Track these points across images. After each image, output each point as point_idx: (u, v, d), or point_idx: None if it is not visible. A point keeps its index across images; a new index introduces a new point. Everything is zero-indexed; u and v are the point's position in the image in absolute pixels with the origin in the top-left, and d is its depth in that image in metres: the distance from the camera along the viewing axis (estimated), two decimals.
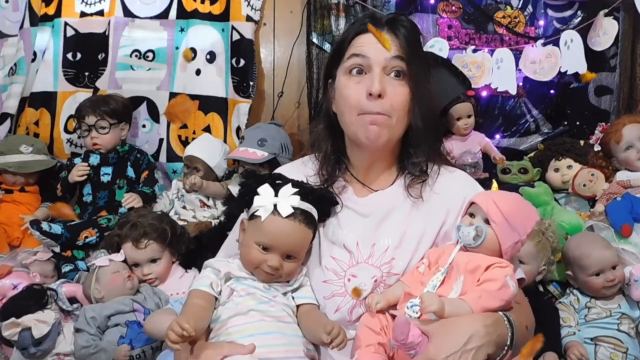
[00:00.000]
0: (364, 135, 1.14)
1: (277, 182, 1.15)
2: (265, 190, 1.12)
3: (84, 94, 2.34)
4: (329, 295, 1.14)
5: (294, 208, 1.10)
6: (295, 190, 1.12)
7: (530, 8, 2.43)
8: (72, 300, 1.75)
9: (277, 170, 1.30)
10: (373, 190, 1.22)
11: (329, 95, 1.24)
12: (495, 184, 2.20)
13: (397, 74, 1.13)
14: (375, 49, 1.13)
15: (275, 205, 1.10)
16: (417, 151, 1.18)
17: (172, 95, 2.38)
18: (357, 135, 1.15)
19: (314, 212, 1.15)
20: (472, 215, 1.12)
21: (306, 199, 1.13)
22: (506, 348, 1.01)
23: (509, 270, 1.05)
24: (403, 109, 1.13)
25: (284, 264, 1.11)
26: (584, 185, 2.05)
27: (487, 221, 1.09)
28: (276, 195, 1.12)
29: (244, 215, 1.20)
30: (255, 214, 1.12)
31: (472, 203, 1.13)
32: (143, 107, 2.39)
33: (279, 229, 1.10)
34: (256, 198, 1.13)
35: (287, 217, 1.10)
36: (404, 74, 1.13)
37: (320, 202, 1.17)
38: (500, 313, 1.03)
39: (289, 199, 1.11)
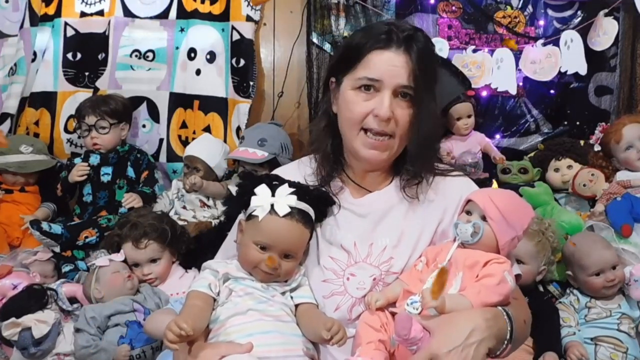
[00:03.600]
0: (364, 156, 1.15)
1: (274, 183, 1.15)
2: (262, 190, 1.13)
3: (84, 94, 2.34)
4: (328, 294, 1.14)
5: (291, 207, 1.11)
6: (292, 190, 1.13)
7: (530, 8, 2.43)
8: (72, 300, 1.75)
9: (274, 172, 1.30)
10: (369, 191, 1.22)
11: (329, 95, 1.23)
12: (495, 184, 2.20)
13: (405, 95, 1.13)
14: (389, 71, 1.11)
15: (272, 205, 1.11)
16: (413, 161, 1.18)
17: (172, 95, 2.38)
18: (356, 153, 1.17)
19: (311, 211, 1.15)
20: (469, 212, 1.13)
21: (303, 199, 1.13)
22: (506, 342, 1.01)
23: (506, 266, 1.06)
24: (406, 128, 1.14)
25: (282, 263, 1.12)
26: (584, 185, 2.05)
27: (484, 218, 1.09)
28: (273, 195, 1.12)
29: (241, 216, 1.20)
30: (253, 214, 1.12)
31: (468, 200, 1.14)
32: (143, 107, 2.39)
33: (276, 228, 1.10)
34: (253, 198, 1.13)
35: (284, 216, 1.10)
36: (412, 96, 1.13)
37: (317, 202, 1.17)
38: (499, 308, 1.03)
39: (286, 198, 1.11)
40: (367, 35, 1.16)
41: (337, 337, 1.03)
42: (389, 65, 1.12)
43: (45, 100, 2.38)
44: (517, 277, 1.15)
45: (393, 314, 1.08)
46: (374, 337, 1.06)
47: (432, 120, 1.16)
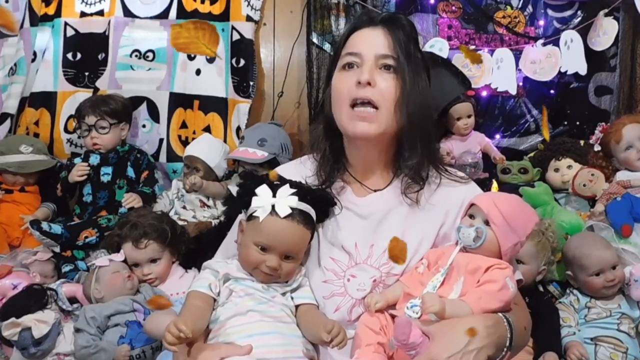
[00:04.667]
0: (352, 131, 1.15)
1: (275, 183, 1.15)
2: (263, 191, 1.12)
3: (84, 94, 2.34)
4: (328, 295, 1.14)
5: (292, 208, 1.10)
6: (294, 190, 1.12)
7: (530, 8, 2.43)
8: (72, 300, 1.75)
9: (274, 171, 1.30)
10: (371, 190, 1.22)
11: (328, 95, 1.23)
12: (495, 184, 2.20)
13: (388, 67, 1.14)
14: (367, 44, 1.15)
15: (273, 206, 1.10)
16: (411, 152, 1.17)
17: (172, 95, 2.38)
18: (346, 130, 1.16)
19: (312, 212, 1.14)
20: (472, 216, 1.12)
21: (304, 200, 1.13)
22: (505, 349, 1.01)
23: (508, 271, 1.06)
24: (392, 101, 1.13)
25: (283, 264, 1.11)
26: (584, 185, 2.05)
27: (487, 222, 1.09)
28: (274, 195, 1.11)
29: (242, 216, 1.20)
30: (254, 214, 1.12)
31: (472, 204, 1.13)
32: (143, 107, 2.39)
33: (277, 229, 1.10)
34: (254, 199, 1.12)
35: (285, 217, 1.10)
36: (395, 69, 1.14)
37: (319, 203, 1.16)
38: (500, 314, 1.03)
39: (287, 199, 1.11)
40: (347, 26, 1.23)
41: (337, 340, 1.02)
42: (367, 39, 1.16)
43: (45, 100, 2.38)
44: (518, 282, 1.14)
45: (393, 316, 1.08)
46: (373, 340, 1.06)
47: (421, 99, 1.14)
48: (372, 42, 1.15)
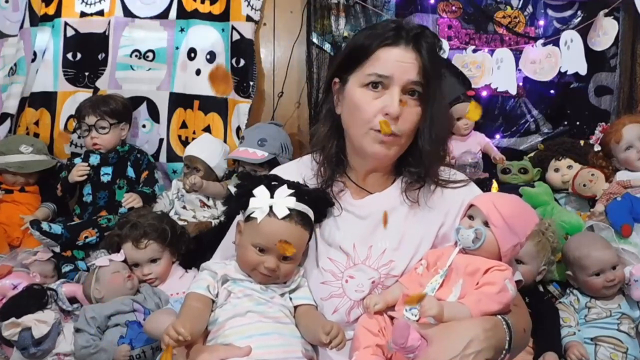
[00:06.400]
0: (371, 152, 1.12)
1: (273, 184, 1.14)
2: (260, 191, 1.12)
3: (84, 94, 2.34)
4: (326, 297, 1.14)
5: (289, 209, 1.10)
6: (291, 191, 1.12)
7: (530, 8, 2.44)
8: (72, 300, 1.76)
9: (273, 171, 1.30)
10: (370, 192, 1.21)
11: (333, 96, 1.20)
12: (495, 184, 2.20)
13: (413, 93, 1.11)
14: (399, 67, 1.09)
15: (271, 207, 1.10)
16: (418, 163, 1.16)
17: (172, 95, 2.38)
18: (363, 150, 1.14)
19: (310, 213, 1.14)
20: (471, 217, 1.11)
21: (302, 200, 1.12)
22: (504, 352, 1.00)
23: (508, 273, 1.05)
24: (413, 128, 1.12)
25: (281, 265, 1.11)
26: (584, 185, 2.05)
27: (486, 224, 1.08)
28: (272, 196, 1.11)
29: (240, 217, 1.20)
30: (251, 215, 1.11)
31: (471, 205, 1.13)
32: (143, 107, 2.39)
33: (275, 230, 1.09)
34: (252, 200, 1.12)
35: (283, 218, 1.10)
36: (421, 94, 1.11)
37: (317, 203, 1.16)
38: (499, 317, 1.02)
39: (284, 200, 1.10)
40: (374, 33, 1.13)
41: (336, 341, 1.02)
42: (398, 61, 1.09)
43: (45, 100, 2.38)
44: (518, 282, 1.14)
45: (392, 318, 1.07)
46: (372, 342, 1.05)
47: (440, 121, 1.14)
48: (405, 67, 1.09)
